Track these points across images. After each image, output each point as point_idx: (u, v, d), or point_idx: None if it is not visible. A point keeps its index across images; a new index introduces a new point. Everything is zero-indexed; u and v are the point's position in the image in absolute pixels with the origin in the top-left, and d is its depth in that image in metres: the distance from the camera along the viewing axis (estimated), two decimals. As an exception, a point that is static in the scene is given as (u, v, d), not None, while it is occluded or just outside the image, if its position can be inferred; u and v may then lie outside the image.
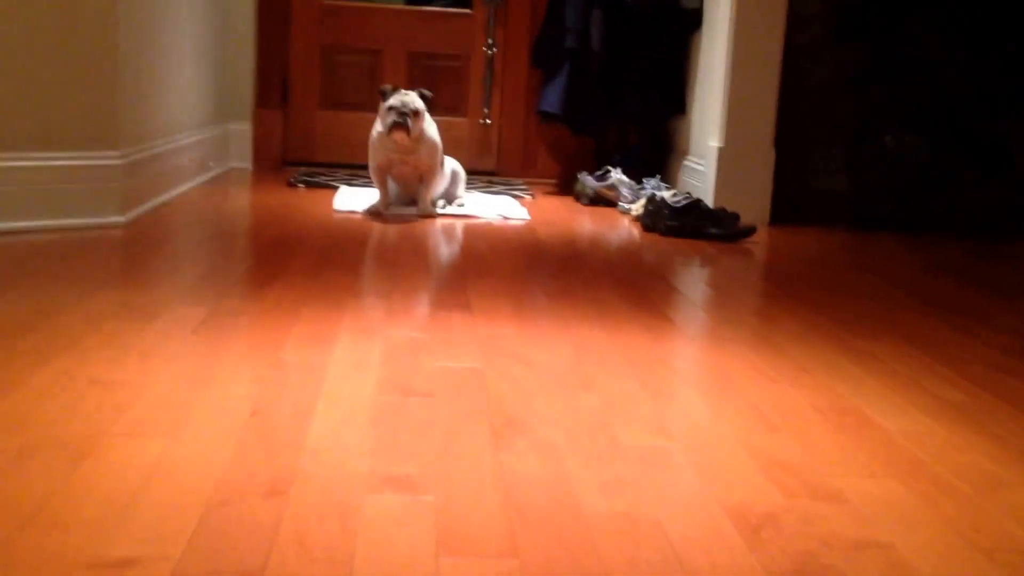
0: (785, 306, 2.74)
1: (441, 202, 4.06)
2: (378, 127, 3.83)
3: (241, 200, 4.17)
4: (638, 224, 4.05)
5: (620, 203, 4.38)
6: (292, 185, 4.58)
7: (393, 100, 3.77)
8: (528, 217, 4.03)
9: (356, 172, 5.02)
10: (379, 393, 1.86)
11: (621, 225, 4.05)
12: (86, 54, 3.20)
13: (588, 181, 4.52)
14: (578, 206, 4.49)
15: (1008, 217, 4.71)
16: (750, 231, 3.74)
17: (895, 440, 1.76)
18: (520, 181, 5.13)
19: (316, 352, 2.10)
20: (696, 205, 3.83)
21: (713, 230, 3.74)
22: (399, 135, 3.75)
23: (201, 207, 3.86)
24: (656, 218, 3.83)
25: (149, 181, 3.66)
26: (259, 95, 5.12)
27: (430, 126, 3.87)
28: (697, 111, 4.63)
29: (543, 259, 3.23)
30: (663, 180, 4.87)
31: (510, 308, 2.56)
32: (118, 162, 3.32)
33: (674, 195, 3.93)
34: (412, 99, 3.76)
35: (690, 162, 4.59)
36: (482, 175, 5.14)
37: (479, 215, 3.99)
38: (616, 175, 4.50)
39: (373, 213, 3.91)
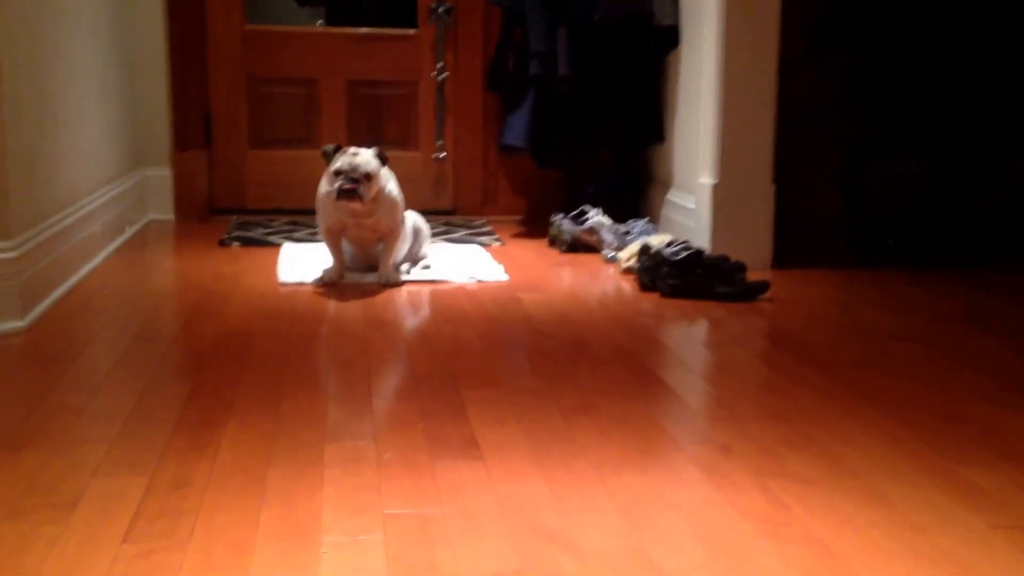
0: (846, 407, 2.24)
1: (405, 266, 3.49)
2: (325, 186, 3.25)
3: (165, 273, 3.55)
4: (630, 277, 3.53)
5: (604, 251, 3.86)
6: (224, 244, 3.98)
7: (340, 163, 3.19)
8: (505, 277, 3.49)
9: (296, 220, 4.43)
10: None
11: (611, 281, 3.53)
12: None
13: (565, 225, 3.99)
14: (555, 254, 3.96)
15: (1006, 230, 4.31)
16: (762, 288, 3.25)
17: None
18: (481, 220, 4.58)
19: (298, 560, 1.54)
20: (698, 257, 3.32)
21: (722, 289, 3.24)
22: (354, 203, 3.18)
23: (117, 291, 3.24)
24: (655, 275, 3.32)
25: (52, 267, 3.04)
26: (177, 136, 4.49)
27: (388, 181, 3.31)
28: (679, 140, 4.12)
29: (541, 348, 2.69)
30: (643, 215, 4.36)
31: (525, 442, 2.03)
32: (12, 255, 2.70)
33: (669, 244, 3.42)
34: (363, 160, 3.19)
35: (676, 198, 4.08)
36: (439, 214, 4.58)
37: (449, 279, 3.44)
38: (595, 216, 3.98)
39: (327, 284, 3.33)
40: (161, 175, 4.49)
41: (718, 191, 3.69)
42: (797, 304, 3.21)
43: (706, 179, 3.74)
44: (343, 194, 3.16)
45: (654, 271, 3.32)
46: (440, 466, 1.92)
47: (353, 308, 3.06)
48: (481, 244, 4.07)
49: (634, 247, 3.64)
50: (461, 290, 3.33)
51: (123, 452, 1.95)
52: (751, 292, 3.24)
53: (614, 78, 4.22)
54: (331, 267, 3.37)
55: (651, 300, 3.25)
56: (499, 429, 2.10)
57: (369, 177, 3.18)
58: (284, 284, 3.34)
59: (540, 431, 2.09)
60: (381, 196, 3.25)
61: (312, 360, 2.55)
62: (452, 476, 1.88)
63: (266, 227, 4.31)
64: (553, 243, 4.07)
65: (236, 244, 3.97)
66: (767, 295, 3.26)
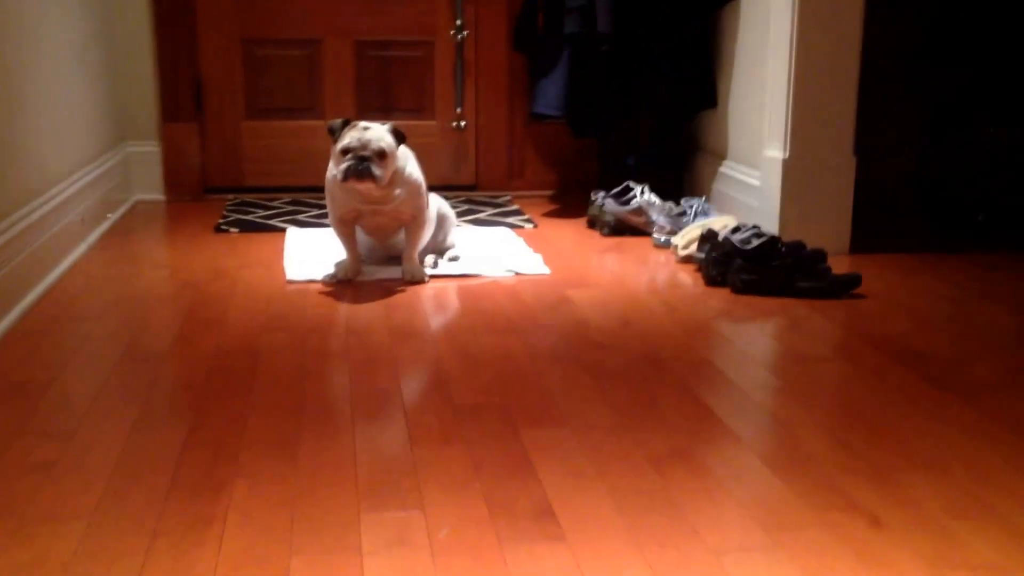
0: (1003, 451, 1.80)
1: (431, 259, 3.03)
2: (333, 169, 2.78)
3: (154, 268, 3.08)
4: (689, 267, 3.07)
5: (654, 234, 3.39)
6: (221, 230, 3.51)
7: (349, 139, 2.71)
8: (546, 269, 3.02)
9: (300, 198, 3.96)
10: None
11: (669, 272, 3.07)
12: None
13: (608, 205, 3.52)
14: (596, 238, 3.49)
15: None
16: (853, 282, 2.79)
17: None
18: (506, 196, 4.11)
19: None
20: (773, 246, 2.86)
21: (805, 284, 2.78)
22: (364, 186, 2.72)
23: (100, 293, 2.77)
24: (725, 267, 2.86)
25: (21, 269, 2.57)
26: (165, 106, 4.00)
27: (407, 161, 2.83)
28: (736, 105, 3.64)
29: (606, 366, 2.23)
30: (690, 191, 3.89)
31: (613, 508, 1.58)
32: (-31, 261, 2.24)
33: (736, 230, 2.96)
34: (376, 135, 2.70)
35: (734, 172, 3.61)
36: (459, 190, 4.11)
37: (482, 273, 2.98)
38: (643, 195, 3.51)
39: (340, 281, 2.87)
40: (148, 150, 4.00)
41: (790, 166, 3.22)
42: (894, 300, 2.75)
43: (774, 151, 3.27)
44: (352, 174, 2.68)
45: (724, 263, 2.86)
46: (511, 550, 1.47)
47: (374, 313, 2.60)
48: (511, 227, 3.60)
49: (692, 231, 3.18)
50: (497, 286, 2.87)
51: (103, 536, 1.50)
52: (840, 287, 2.78)
53: (661, 35, 3.73)
54: (345, 262, 2.91)
55: (720, 297, 2.79)
56: (577, 489, 1.65)
57: (383, 155, 2.70)
58: (292, 282, 2.88)
59: (628, 491, 1.64)
60: (401, 179, 2.78)
61: (331, 387, 2.09)
62: (529, 566, 1.43)
63: (266, 208, 3.83)
64: (593, 224, 3.60)
65: (234, 230, 3.50)
66: (857, 289, 2.80)
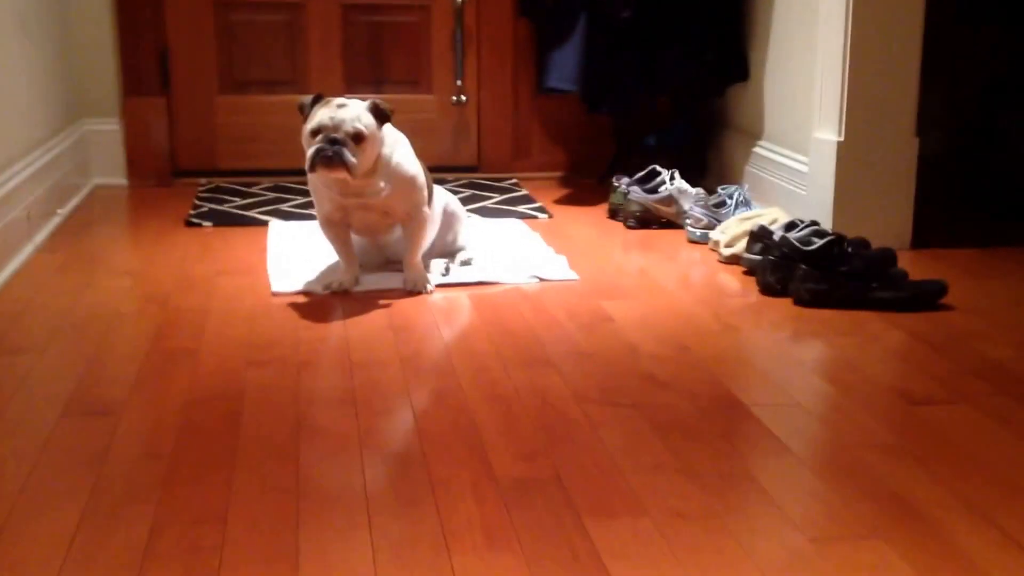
0: None
1: (440, 264, 2.59)
2: (310, 156, 2.33)
3: (113, 276, 2.61)
4: (736, 269, 2.66)
5: (688, 226, 2.97)
6: (192, 224, 3.06)
7: (320, 118, 2.25)
8: (574, 275, 2.60)
9: (282, 184, 3.50)
10: None
11: (712, 275, 2.65)
12: None
13: (633, 193, 3.09)
14: (620, 231, 3.07)
15: None
16: (938, 291, 2.39)
17: None
18: (511, 179, 3.67)
19: None
20: (838, 245, 2.44)
21: (883, 294, 2.37)
22: (336, 174, 2.28)
23: (45, 313, 2.31)
24: (784, 273, 2.44)
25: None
26: (127, 79, 3.52)
27: (396, 147, 2.39)
28: (773, 78, 3.21)
29: (674, 414, 1.81)
30: (717, 173, 3.46)
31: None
32: None
33: (790, 227, 2.55)
34: (351, 114, 2.25)
35: (772, 155, 3.19)
36: (459, 171, 3.67)
37: (501, 280, 2.55)
38: (672, 182, 3.08)
39: (335, 292, 2.44)
40: (107, 129, 3.53)
41: (846, 149, 2.80)
42: (987, 312, 2.34)
43: (827, 134, 2.85)
44: (321, 161, 2.24)
45: (784, 268, 2.44)
46: None
47: (379, 338, 2.16)
48: (522, 217, 3.17)
49: (736, 226, 2.77)
50: (519, 297, 2.44)
51: None
52: (925, 297, 2.37)
53: (685, 2, 3.29)
54: (339, 269, 2.47)
55: (782, 310, 2.38)
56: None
57: (360, 137, 2.24)
58: (278, 294, 2.44)
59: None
60: (387, 168, 2.33)
61: (336, 455, 1.66)
62: None
63: (244, 196, 3.38)
64: (615, 215, 3.18)
65: (207, 224, 3.05)
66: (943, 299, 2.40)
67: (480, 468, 1.60)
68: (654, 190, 3.11)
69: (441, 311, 2.36)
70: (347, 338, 2.16)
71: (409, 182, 2.40)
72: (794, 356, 2.15)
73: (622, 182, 3.15)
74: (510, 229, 3.02)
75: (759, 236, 2.60)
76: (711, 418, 1.80)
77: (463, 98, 3.66)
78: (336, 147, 2.23)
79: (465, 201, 3.23)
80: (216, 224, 3.06)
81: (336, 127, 2.24)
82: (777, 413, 1.82)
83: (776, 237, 2.52)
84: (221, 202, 3.29)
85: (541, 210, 3.26)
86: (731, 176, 3.42)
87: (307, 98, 2.32)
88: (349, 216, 2.43)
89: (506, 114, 3.70)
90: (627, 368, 2.02)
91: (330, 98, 2.31)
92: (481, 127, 3.71)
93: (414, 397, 1.87)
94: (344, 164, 2.24)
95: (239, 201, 3.30)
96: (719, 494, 1.53)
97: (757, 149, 3.29)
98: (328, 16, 3.58)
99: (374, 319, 2.28)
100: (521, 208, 3.27)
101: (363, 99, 2.32)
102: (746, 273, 2.63)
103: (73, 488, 1.53)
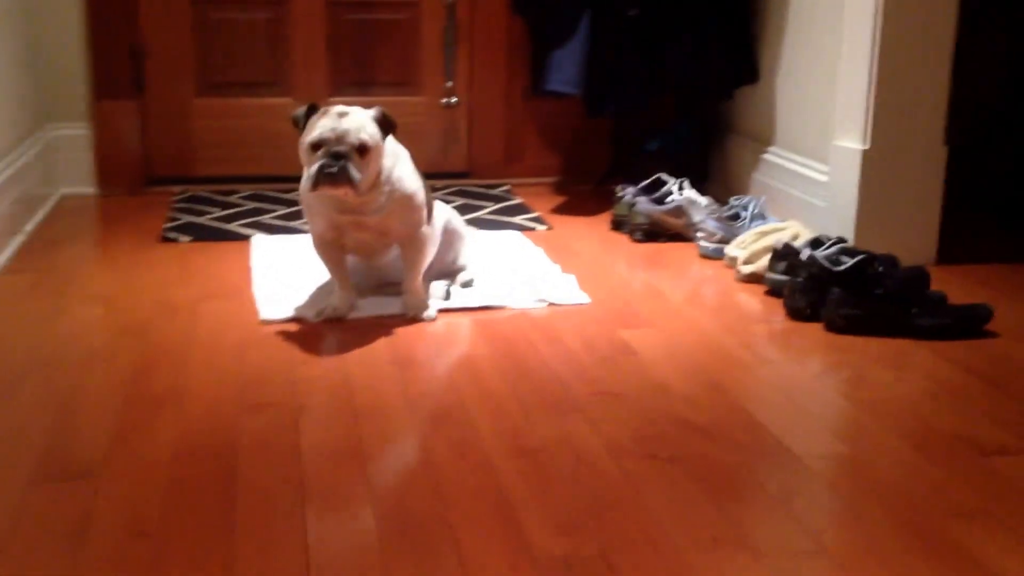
0: None
1: (441, 287, 2.39)
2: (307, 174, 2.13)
3: (83, 303, 2.37)
4: (757, 289, 2.49)
5: (701, 241, 2.80)
6: (168, 239, 2.84)
7: (321, 129, 2.06)
8: (585, 297, 2.42)
9: (263, 192, 3.29)
10: None
11: (733, 296, 2.47)
12: None
13: (640, 204, 2.91)
14: (626, 245, 2.88)
15: None
16: (983, 316, 2.23)
17: None
18: (504, 185, 3.48)
19: None
20: (871, 265, 2.27)
21: (924, 321, 2.20)
22: (341, 191, 2.08)
23: (10, 349, 2.09)
24: (815, 296, 2.27)
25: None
26: (98, 81, 3.29)
27: (398, 161, 2.19)
28: (786, 80, 3.04)
29: (718, 471, 1.62)
30: (720, 180, 3.28)
31: None
32: None
33: (815, 244, 2.37)
34: (355, 124, 2.05)
35: (785, 161, 3.01)
36: (449, 178, 3.47)
37: (506, 304, 2.36)
38: (681, 192, 2.90)
39: (329, 319, 2.24)
40: (76, 134, 3.30)
41: (871, 159, 2.63)
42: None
43: (851, 142, 2.67)
44: (325, 179, 2.04)
45: (815, 290, 2.27)
46: None
47: (383, 376, 1.97)
48: (519, 228, 2.98)
49: (756, 242, 2.60)
50: (529, 323, 2.25)
51: None
52: (970, 323, 2.21)
53: (692, 2, 3.11)
54: (336, 295, 2.27)
55: (815, 338, 2.20)
56: None
57: (365, 149, 2.05)
58: (266, 322, 2.24)
59: None
60: (387, 183, 2.14)
61: (346, 517, 1.47)
62: None
63: (223, 205, 3.16)
64: (619, 227, 2.99)
65: (185, 239, 2.84)
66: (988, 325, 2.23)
67: (516, 543, 1.41)
68: (660, 200, 2.93)
69: (446, 342, 2.17)
70: (347, 375, 1.97)
71: (409, 201, 2.20)
72: (840, 395, 1.97)
73: (627, 192, 2.97)
74: (511, 243, 2.83)
75: (784, 254, 2.43)
76: (763, 475, 1.62)
77: (453, 100, 3.46)
78: (341, 162, 2.03)
79: (455, 210, 3.04)
80: (195, 239, 2.84)
81: (339, 139, 2.04)
82: (838, 468, 1.64)
83: (804, 256, 2.35)
84: (198, 213, 3.07)
85: (539, 220, 3.07)
86: (736, 184, 3.25)
87: (300, 110, 2.12)
88: (345, 235, 2.23)
89: (498, 117, 3.50)
90: (660, 412, 1.83)
91: (327, 107, 2.11)
92: (472, 131, 3.51)
93: (429, 452, 1.68)
94: (349, 180, 2.04)
95: (217, 212, 3.09)
96: (792, 570, 1.35)
97: (767, 156, 3.11)
98: (312, 14, 3.36)
99: (374, 352, 2.08)
100: (518, 219, 3.08)
101: (366, 107, 2.13)
102: (768, 293, 2.46)
103: None
